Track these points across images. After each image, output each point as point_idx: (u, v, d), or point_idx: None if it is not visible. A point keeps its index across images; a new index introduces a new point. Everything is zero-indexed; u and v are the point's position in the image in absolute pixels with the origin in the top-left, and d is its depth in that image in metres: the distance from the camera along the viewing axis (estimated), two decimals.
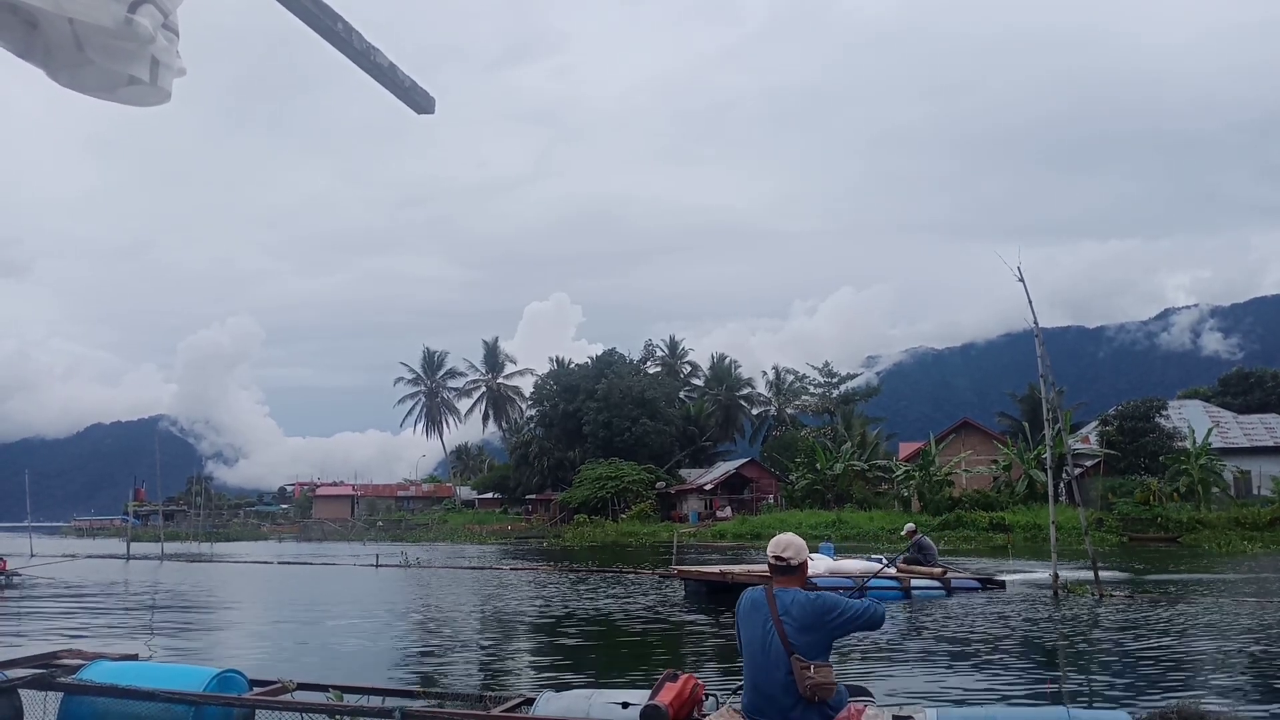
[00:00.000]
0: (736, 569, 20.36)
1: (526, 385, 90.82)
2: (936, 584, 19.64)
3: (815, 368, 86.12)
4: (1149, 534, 41.48)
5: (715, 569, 21.08)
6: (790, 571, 5.03)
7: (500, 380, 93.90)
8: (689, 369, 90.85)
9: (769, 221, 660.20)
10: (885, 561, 18.17)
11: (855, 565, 19.20)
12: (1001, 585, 20.73)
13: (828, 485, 58.80)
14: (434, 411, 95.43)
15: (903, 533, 23.18)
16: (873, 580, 17.28)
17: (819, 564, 18.37)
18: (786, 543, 5.09)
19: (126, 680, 5.79)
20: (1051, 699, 9.74)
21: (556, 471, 77.74)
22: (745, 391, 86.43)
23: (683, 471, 75.62)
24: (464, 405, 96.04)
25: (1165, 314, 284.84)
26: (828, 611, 4.81)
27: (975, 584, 20.51)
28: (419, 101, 2.97)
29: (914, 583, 19.38)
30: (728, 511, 66.06)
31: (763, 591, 5.05)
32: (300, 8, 2.49)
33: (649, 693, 5.38)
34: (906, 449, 64.68)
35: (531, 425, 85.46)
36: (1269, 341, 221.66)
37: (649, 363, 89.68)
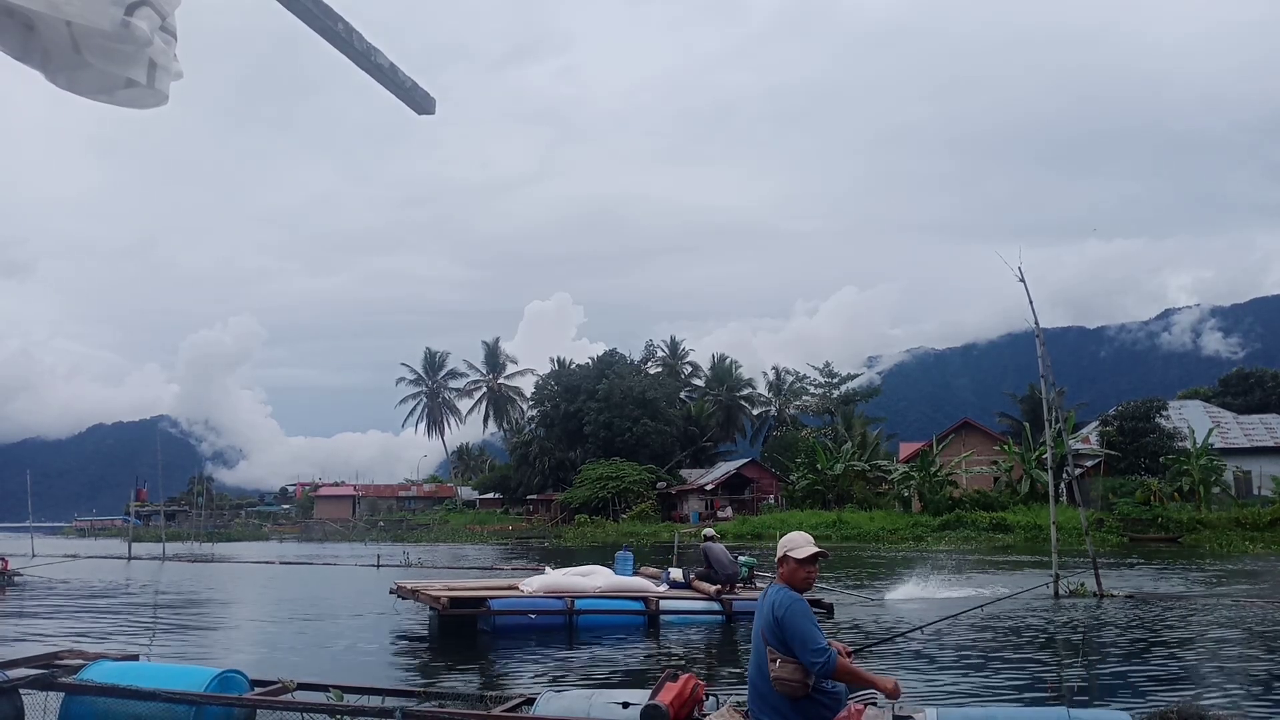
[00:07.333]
0: (434, 586, 16.08)
1: (527, 385, 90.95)
2: (714, 606, 15.62)
3: (816, 368, 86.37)
4: (1150, 534, 41.49)
5: (410, 584, 16.87)
6: (780, 565, 5.09)
7: (501, 380, 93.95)
8: (690, 369, 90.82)
9: (771, 221, 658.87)
10: (661, 578, 16.58)
11: (637, 583, 16.22)
12: (828, 609, 16.21)
13: (828, 485, 58.82)
14: (435, 412, 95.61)
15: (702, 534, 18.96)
16: (599, 602, 15.04)
17: (546, 578, 15.69)
18: (787, 538, 5.19)
19: (128, 680, 5.80)
20: (1051, 699, 9.74)
21: (557, 472, 77.71)
22: (746, 391, 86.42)
23: (683, 472, 75.57)
24: (465, 405, 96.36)
25: (1166, 314, 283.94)
26: (781, 615, 4.76)
27: None
28: (419, 102, 2.98)
29: (665, 604, 15.42)
30: (728, 512, 66.03)
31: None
32: (301, 9, 2.50)
33: (649, 692, 5.39)
34: (907, 449, 64.64)
35: (532, 425, 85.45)
36: (1269, 341, 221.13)
37: (650, 363, 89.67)
